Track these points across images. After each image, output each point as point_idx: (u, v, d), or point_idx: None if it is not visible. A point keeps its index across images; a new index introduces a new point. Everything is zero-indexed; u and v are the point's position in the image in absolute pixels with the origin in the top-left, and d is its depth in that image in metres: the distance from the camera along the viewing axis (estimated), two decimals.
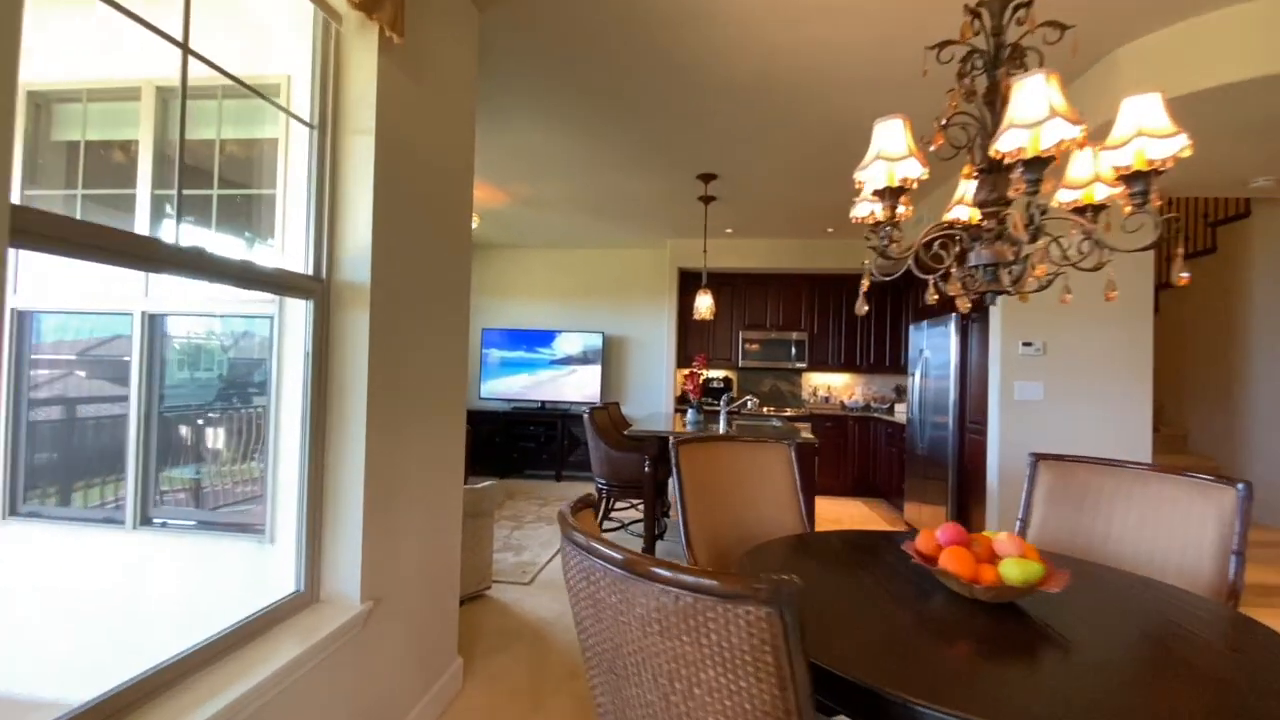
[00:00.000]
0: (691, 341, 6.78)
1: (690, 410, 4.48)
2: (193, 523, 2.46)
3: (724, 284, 6.71)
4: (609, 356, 7.10)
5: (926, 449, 4.68)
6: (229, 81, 2.55)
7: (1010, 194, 1.47)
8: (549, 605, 3.19)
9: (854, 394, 6.85)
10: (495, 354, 7.00)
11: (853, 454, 6.26)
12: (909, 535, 1.93)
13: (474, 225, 4.96)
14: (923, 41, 2.63)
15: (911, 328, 5.14)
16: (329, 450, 1.73)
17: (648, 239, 6.59)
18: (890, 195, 1.48)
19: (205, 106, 2.43)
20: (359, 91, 1.76)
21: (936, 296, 1.90)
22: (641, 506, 4.42)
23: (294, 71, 1.97)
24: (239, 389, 2.65)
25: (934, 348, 4.61)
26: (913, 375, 5.04)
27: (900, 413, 6.22)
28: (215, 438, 2.57)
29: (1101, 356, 3.48)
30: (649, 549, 3.81)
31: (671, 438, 2.17)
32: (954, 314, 4.29)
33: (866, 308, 1.80)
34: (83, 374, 2.58)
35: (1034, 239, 1.34)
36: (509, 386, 6.96)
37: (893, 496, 5.64)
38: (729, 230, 6.00)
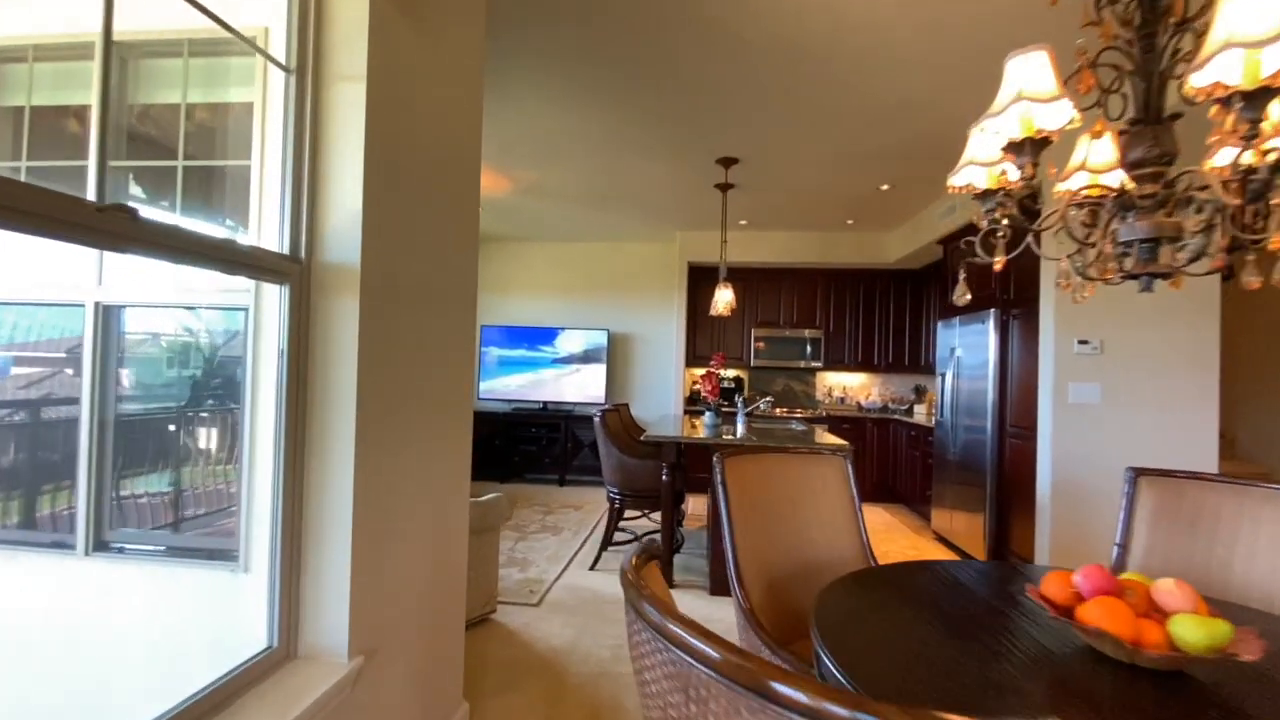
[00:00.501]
0: (700, 339, 6.47)
1: (707, 413, 4.16)
2: (156, 548, 2.13)
3: (736, 279, 6.38)
4: (614, 355, 6.78)
5: (959, 454, 4.38)
6: (193, 35, 2.19)
7: (1176, 149, 1.16)
8: (560, 632, 2.87)
9: (870, 394, 6.56)
10: (494, 352, 6.67)
11: (871, 458, 5.96)
12: (1024, 574, 1.62)
13: None
14: (976, 15, 2.32)
15: (940, 325, 4.85)
16: (309, 471, 1.40)
17: (656, 232, 6.27)
18: (1030, 149, 1.17)
19: (167, 67, 2.10)
20: (347, 30, 1.43)
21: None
22: (654, 515, 4.11)
23: (272, 23, 1.65)
24: (212, 392, 2.32)
25: (968, 346, 4.32)
26: (941, 375, 4.74)
27: (920, 414, 5.93)
28: (183, 449, 2.24)
29: (1164, 355, 3.18)
30: (667, 563, 3.50)
31: (716, 453, 1.85)
32: (992, 309, 3.99)
33: (969, 296, 1.49)
34: (31, 371, 2.24)
35: (1258, 199, 1.02)
36: (509, 386, 6.63)
37: (916, 503, 5.34)
38: (743, 222, 5.68)
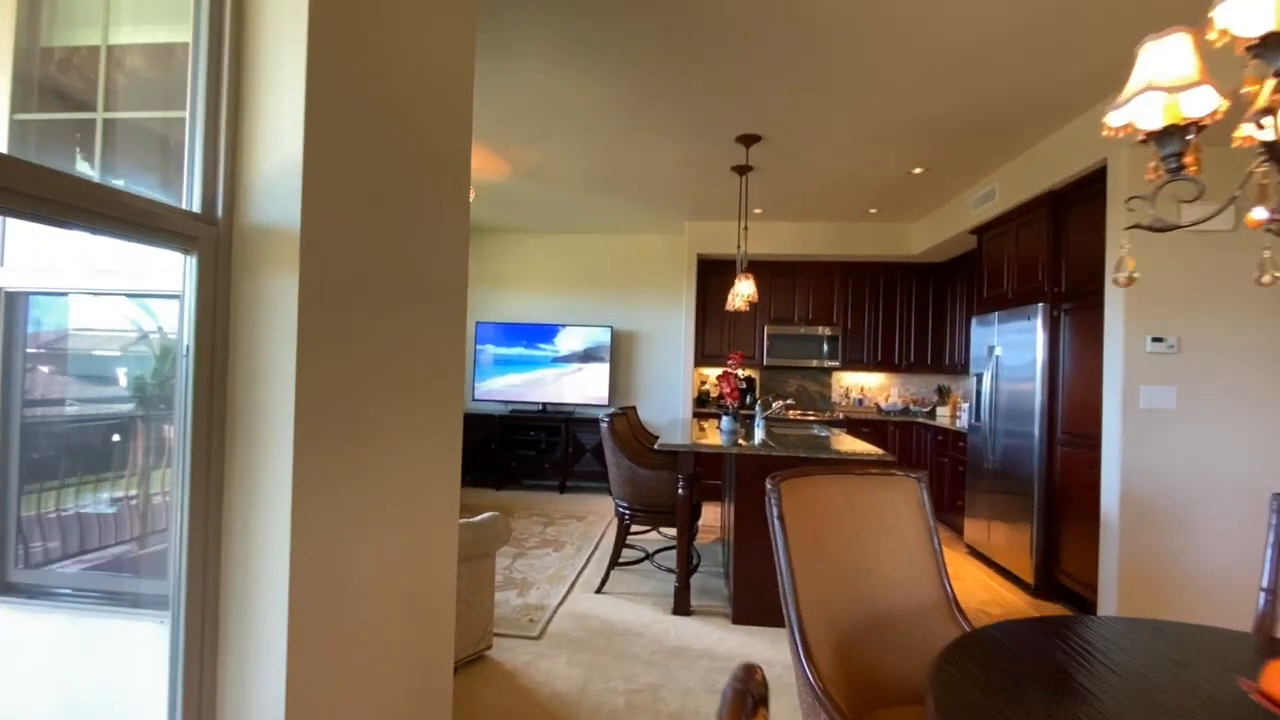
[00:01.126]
0: (710, 337, 6.08)
1: (724, 417, 3.77)
2: (68, 590, 1.74)
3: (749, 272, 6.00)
4: (618, 354, 6.39)
5: (999, 462, 4.01)
6: None
7: None
8: (566, 672, 2.49)
9: (890, 395, 6.18)
10: (490, 350, 6.27)
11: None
12: (1180, 638, 1.23)
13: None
14: None
15: (974, 321, 4.47)
16: (229, 508, 1.01)
17: (665, 222, 5.87)
18: (1177, 135, 0.78)
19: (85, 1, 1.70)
20: None
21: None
22: (665, 529, 3.72)
23: None
24: (142, 398, 1.92)
25: (1010, 344, 3.94)
26: (977, 376, 4.36)
27: (942, 416, 5.56)
28: (104, 470, 1.84)
29: (1251, 354, 2.81)
30: (683, 587, 3.11)
31: (771, 479, 1.46)
32: (1040, 304, 3.61)
33: (1138, 275, 1.10)
34: None
35: None
36: (506, 386, 6.24)
37: (944, 512, 4.97)
38: (758, 211, 5.29)
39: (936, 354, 5.87)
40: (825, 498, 1.56)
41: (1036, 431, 3.61)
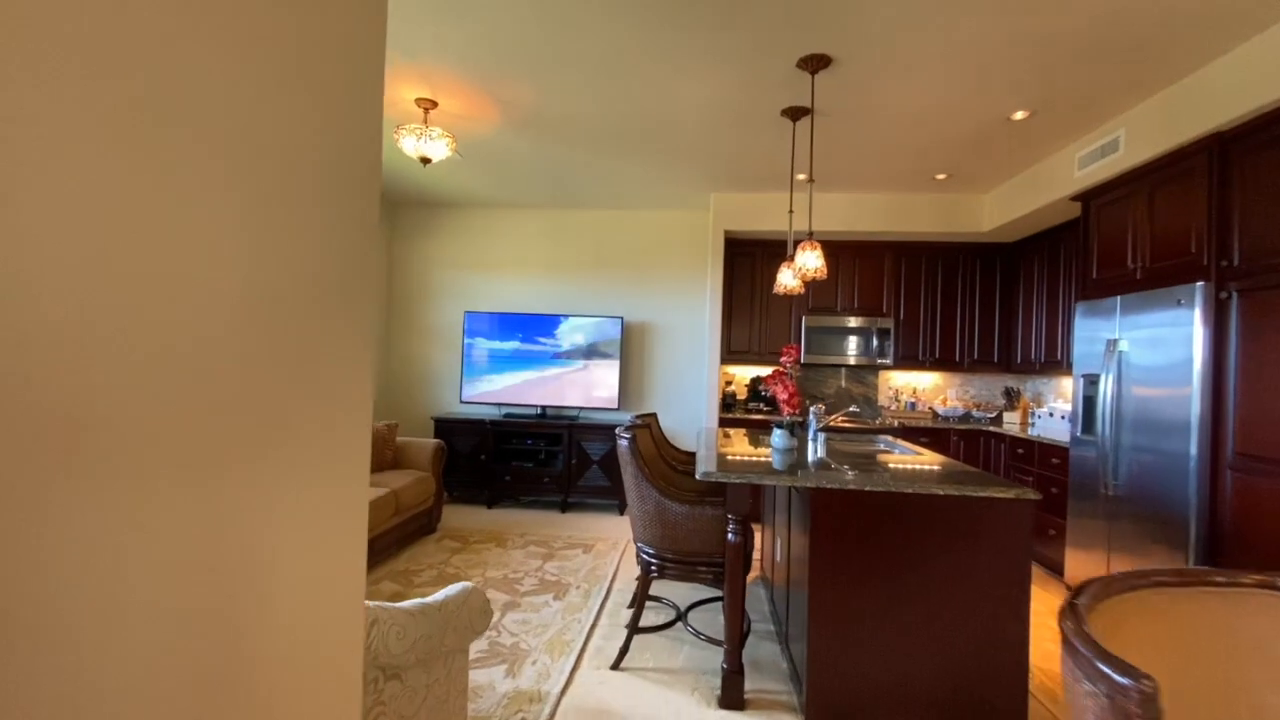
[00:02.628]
0: (737, 330, 5.20)
1: (778, 432, 2.90)
2: None
3: (776, 252, 5.13)
4: (629, 349, 5.51)
5: (1125, 486, 3.14)
6: None
7: None
8: None
9: (946, 398, 5.30)
10: (482, 345, 5.39)
11: None
12: None
13: (445, 152, 3.35)
14: None
15: (1080, 310, 3.59)
16: None
17: (686, 194, 4.99)
18: None
19: None
20: None
21: None
22: (700, 584, 2.83)
23: None
24: None
25: (1145, 339, 3.06)
26: (1083, 378, 3.49)
27: (1010, 423, 4.70)
28: None
29: None
30: (735, 670, 2.24)
31: (1074, 601, 0.58)
32: (1198, 284, 2.74)
33: None
34: None
35: None
36: (499, 387, 5.36)
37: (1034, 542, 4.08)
38: (800, 177, 4.41)
39: (1004, 350, 5.00)
40: (1181, 634, 0.68)
41: (1192, 450, 2.74)
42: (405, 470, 4.13)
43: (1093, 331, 3.45)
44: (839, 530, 2.12)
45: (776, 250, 5.12)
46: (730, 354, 5.16)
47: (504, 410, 5.48)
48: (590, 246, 5.55)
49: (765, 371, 5.39)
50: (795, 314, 5.16)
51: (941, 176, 4.31)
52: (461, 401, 5.38)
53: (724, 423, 4.91)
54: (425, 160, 3.31)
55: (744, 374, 5.46)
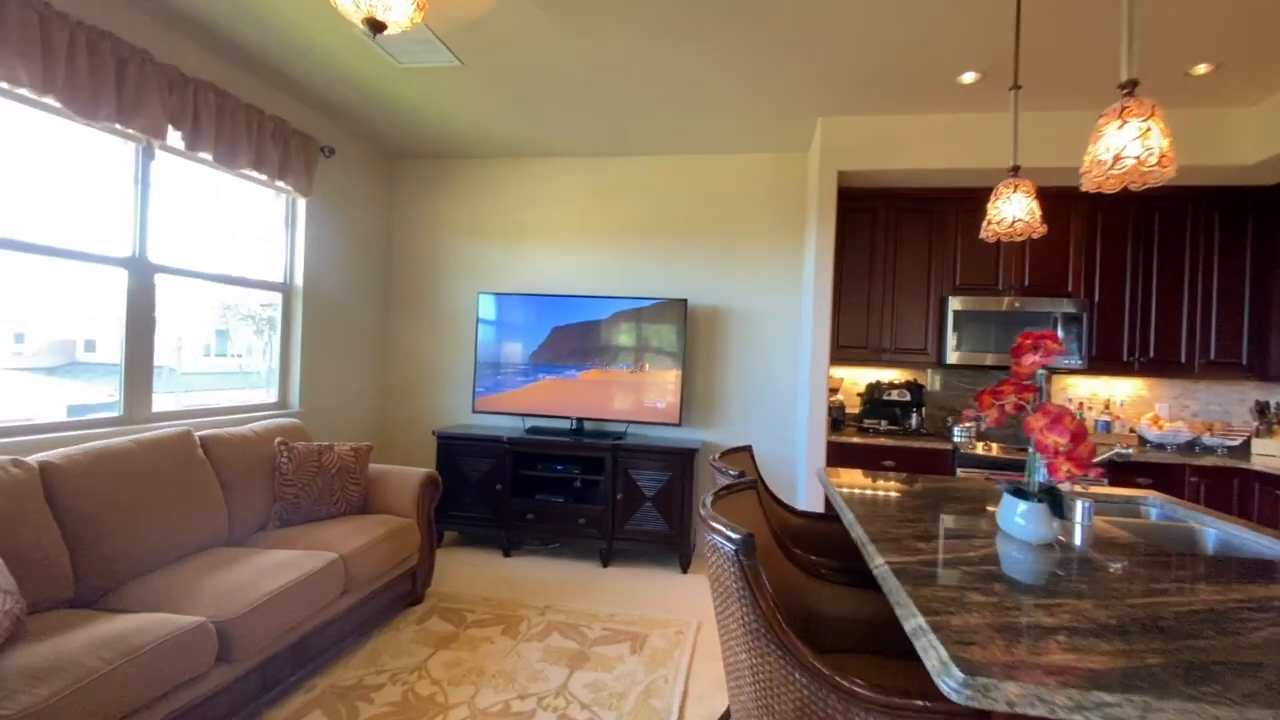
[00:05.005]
0: (849, 318, 3.70)
1: (1029, 510, 1.43)
2: None
3: (908, 208, 3.62)
4: (695, 342, 4.11)
5: None
6: None
7: None
8: None
9: (1157, 417, 3.65)
10: (501, 337, 4.08)
11: None
12: None
13: (408, 15, 2.02)
14: None
15: None
16: None
17: (778, 118, 3.53)
18: None
19: None
20: None
21: None
22: None
23: None
24: None
25: None
26: None
27: (1263, 453, 3.07)
28: None
29: None
30: None
31: None
32: None
33: None
34: None
35: None
36: (522, 393, 4.04)
37: None
38: (970, 77, 2.88)
39: (1257, 348, 3.33)
40: None
41: None
42: (376, 516, 2.86)
43: None
44: None
45: (911, 203, 3.61)
46: (838, 350, 3.67)
47: (528, 424, 4.17)
48: (643, 206, 4.16)
49: (887, 375, 3.87)
50: (931, 293, 3.63)
51: (1202, 69, 2.70)
52: (474, 411, 4.09)
53: (838, 449, 3.43)
54: (376, 26, 1.99)
55: (855, 378, 3.97)
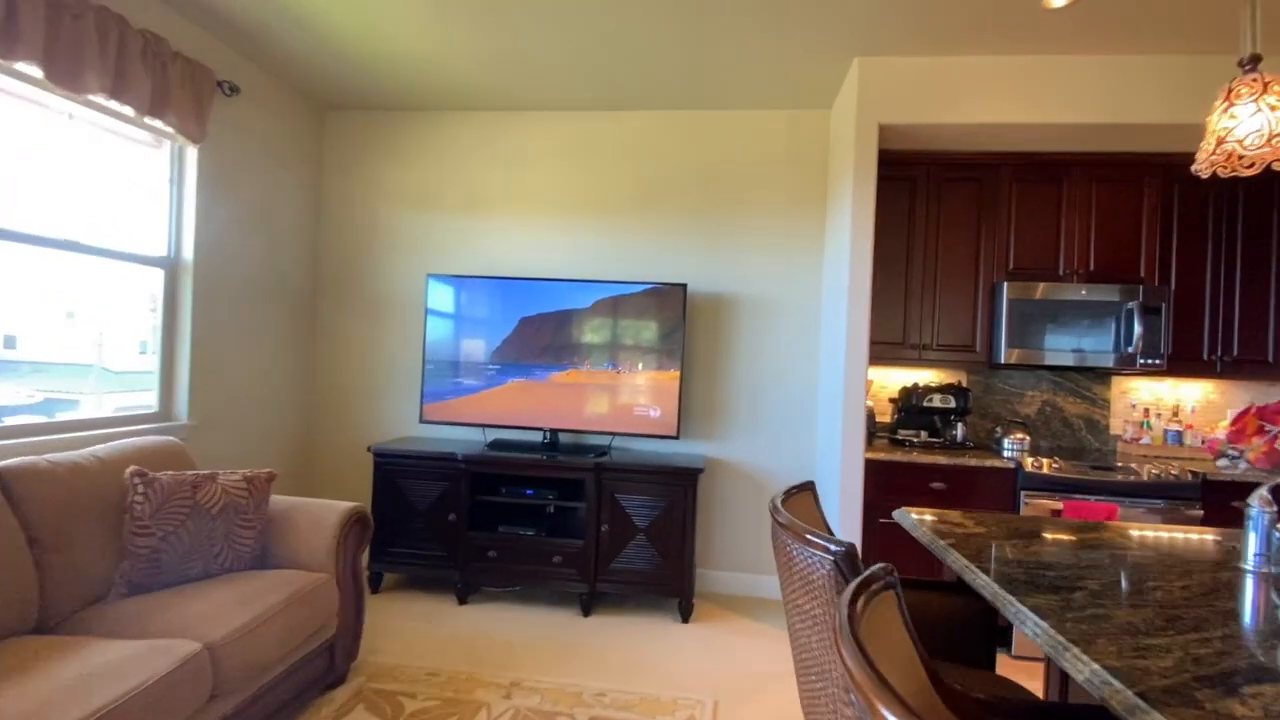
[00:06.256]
0: (885, 309, 3.07)
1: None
2: None
3: (954, 176, 3.02)
4: (695, 338, 3.42)
5: None
6: None
7: None
8: None
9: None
10: (455, 330, 3.32)
11: None
12: None
13: None
14: None
15: None
16: None
17: (804, 59, 2.88)
18: None
19: None
20: None
21: None
22: None
23: None
24: None
25: None
26: None
27: None
28: None
29: None
30: None
31: None
32: None
33: None
34: None
35: None
36: (484, 403, 3.29)
37: None
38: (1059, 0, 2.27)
39: None
40: None
41: None
42: (277, 573, 2.07)
43: None
44: None
45: (959, 170, 3.00)
46: (875, 346, 3.03)
47: (490, 437, 3.41)
48: (632, 172, 3.45)
49: (926, 376, 3.26)
50: (981, 277, 3.03)
51: None
52: (422, 422, 3.31)
53: (877, 469, 2.79)
54: None
55: (884, 379, 3.35)
